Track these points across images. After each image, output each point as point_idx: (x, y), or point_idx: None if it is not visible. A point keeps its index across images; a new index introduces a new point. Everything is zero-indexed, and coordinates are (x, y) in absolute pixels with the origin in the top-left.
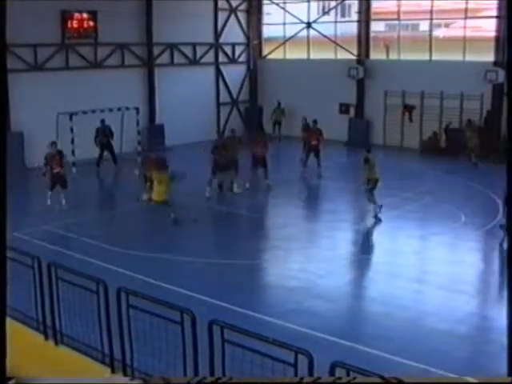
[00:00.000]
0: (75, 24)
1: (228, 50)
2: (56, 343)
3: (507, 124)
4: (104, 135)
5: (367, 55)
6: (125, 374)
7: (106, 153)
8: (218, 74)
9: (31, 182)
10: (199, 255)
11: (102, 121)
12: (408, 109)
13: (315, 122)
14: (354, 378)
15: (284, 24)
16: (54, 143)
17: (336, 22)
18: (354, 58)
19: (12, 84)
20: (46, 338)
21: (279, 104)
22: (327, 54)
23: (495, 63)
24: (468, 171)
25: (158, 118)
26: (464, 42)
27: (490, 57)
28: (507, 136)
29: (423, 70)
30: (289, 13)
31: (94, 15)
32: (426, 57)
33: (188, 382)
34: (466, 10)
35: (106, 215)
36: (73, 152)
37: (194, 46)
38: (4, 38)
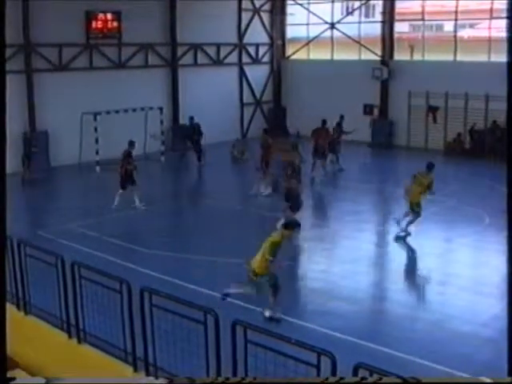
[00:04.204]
0: (99, 24)
1: (251, 50)
2: (79, 342)
3: (507, 124)
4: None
5: (391, 56)
6: (147, 373)
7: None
8: (242, 74)
9: (55, 181)
10: (222, 255)
11: (191, 118)
12: (432, 110)
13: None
14: (366, 378)
15: (308, 24)
16: (130, 143)
17: (360, 22)
18: (377, 58)
19: (37, 84)
20: (70, 336)
21: (298, 134)
22: (351, 55)
23: None
24: (492, 172)
25: (181, 118)
26: (489, 43)
27: None
28: (507, 136)
29: (448, 71)
30: (312, 13)
31: (118, 15)
32: (450, 57)
33: (212, 382)
34: (491, 10)
35: (126, 214)
36: (97, 152)
37: (217, 46)
38: (4, 38)
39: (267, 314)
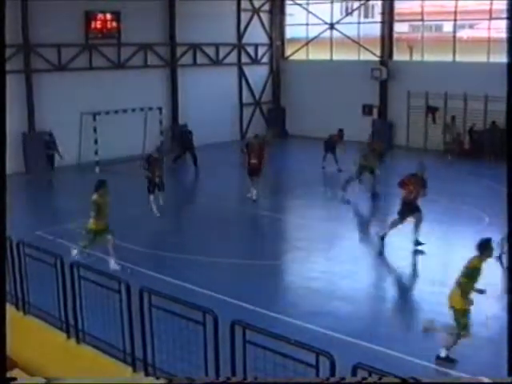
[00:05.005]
0: (99, 24)
1: (251, 50)
2: (78, 342)
3: (506, 125)
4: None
5: (390, 56)
6: (146, 373)
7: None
8: (241, 74)
9: (55, 181)
10: (221, 256)
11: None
12: (431, 110)
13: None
14: (366, 379)
15: (307, 25)
16: (158, 149)
17: (359, 22)
18: (377, 59)
19: (36, 84)
20: (69, 336)
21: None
22: (350, 55)
23: None
24: (492, 172)
25: (180, 118)
26: (488, 43)
27: None
28: (507, 136)
29: (447, 71)
30: (312, 13)
31: (117, 16)
32: (449, 58)
33: (212, 382)
34: (491, 10)
35: (131, 215)
36: (96, 152)
37: (216, 46)
38: (3, 38)
39: (443, 353)
